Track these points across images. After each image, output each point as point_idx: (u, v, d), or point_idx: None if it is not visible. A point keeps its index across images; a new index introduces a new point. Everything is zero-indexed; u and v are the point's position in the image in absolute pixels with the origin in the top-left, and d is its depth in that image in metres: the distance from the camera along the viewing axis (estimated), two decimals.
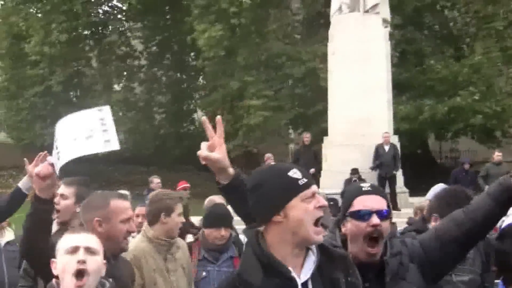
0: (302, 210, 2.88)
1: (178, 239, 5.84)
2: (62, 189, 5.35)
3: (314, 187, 2.95)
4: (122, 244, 4.26)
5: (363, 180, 18.38)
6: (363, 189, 3.55)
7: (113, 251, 4.22)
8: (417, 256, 3.55)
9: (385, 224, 3.46)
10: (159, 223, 5.52)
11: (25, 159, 5.74)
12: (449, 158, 35.76)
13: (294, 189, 2.90)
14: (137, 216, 6.64)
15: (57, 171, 4.00)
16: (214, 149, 3.24)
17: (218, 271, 6.21)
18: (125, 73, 34.88)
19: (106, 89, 33.44)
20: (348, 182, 18.45)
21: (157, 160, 34.03)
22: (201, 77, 33.87)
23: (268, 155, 21.93)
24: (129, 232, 4.28)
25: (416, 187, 19.17)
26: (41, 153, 5.99)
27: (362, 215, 3.46)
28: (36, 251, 3.98)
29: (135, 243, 5.49)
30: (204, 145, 3.25)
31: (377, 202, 3.49)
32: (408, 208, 15.69)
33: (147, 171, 35.07)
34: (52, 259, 3.43)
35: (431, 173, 27.56)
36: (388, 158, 19.80)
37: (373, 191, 3.55)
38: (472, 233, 3.49)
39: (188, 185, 15.69)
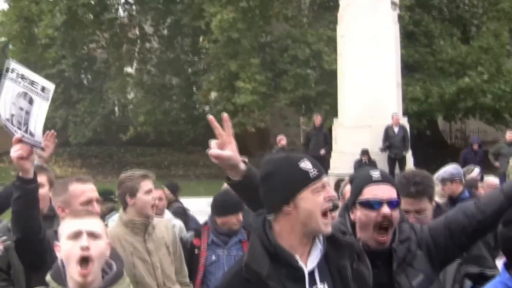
0: (312, 201, 2.89)
1: (160, 219, 5.79)
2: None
3: (324, 179, 2.96)
4: None
5: (373, 162, 18.41)
6: (373, 178, 3.52)
7: None
8: (425, 243, 3.55)
9: (395, 214, 3.46)
10: (128, 205, 5.43)
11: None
12: (459, 139, 35.62)
13: (305, 180, 2.91)
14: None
15: (42, 143, 3.95)
16: (223, 146, 3.22)
17: (227, 255, 6.21)
18: (136, 55, 34.79)
19: (118, 72, 33.40)
20: (358, 163, 18.44)
21: (169, 141, 34.09)
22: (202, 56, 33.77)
23: (280, 136, 21.99)
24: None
25: (426, 168, 19.02)
26: (48, 132, 6.02)
27: (372, 205, 3.45)
28: (31, 234, 3.95)
29: (111, 228, 5.43)
30: (213, 143, 3.23)
31: (388, 192, 3.48)
32: None
33: (158, 152, 35.25)
34: (56, 242, 3.40)
35: (441, 154, 27.52)
36: (398, 139, 19.75)
37: (383, 180, 3.53)
38: (481, 226, 3.49)
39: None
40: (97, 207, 4.27)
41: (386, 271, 3.46)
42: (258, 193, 3.05)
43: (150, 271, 5.36)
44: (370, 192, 3.47)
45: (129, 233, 5.38)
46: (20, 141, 3.79)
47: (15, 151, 3.79)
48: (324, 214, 2.91)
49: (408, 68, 24.89)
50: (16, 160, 3.81)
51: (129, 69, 35.22)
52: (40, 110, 3.86)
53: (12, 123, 3.82)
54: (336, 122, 21.55)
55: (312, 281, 2.90)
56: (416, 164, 20.44)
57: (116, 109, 34.61)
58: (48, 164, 6.16)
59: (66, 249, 3.28)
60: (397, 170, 19.24)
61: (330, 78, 24.63)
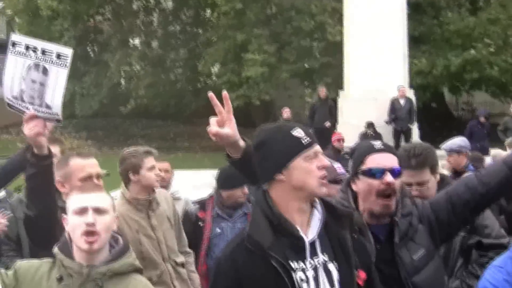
0: (304, 169, 2.91)
1: (160, 191, 5.79)
2: None
3: (317, 147, 2.96)
4: None
5: (379, 134, 18.38)
6: (375, 147, 3.51)
7: None
8: (427, 218, 3.53)
9: (398, 182, 3.45)
10: (131, 182, 5.44)
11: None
12: (466, 111, 35.47)
13: (296, 148, 2.92)
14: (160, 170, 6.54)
15: (60, 114, 3.80)
16: (223, 124, 3.21)
17: (232, 228, 6.20)
18: (142, 28, 34.65)
19: (122, 45, 33.30)
20: (363, 136, 18.38)
21: (174, 114, 34.05)
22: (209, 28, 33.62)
23: (285, 108, 21.95)
24: None
25: (432, 141, 19.00)
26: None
27: (374, 173, 3.43)
28: (47, 210, 3.90)
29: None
30: (213, 120, 3.22)
31: (390, 160, 3.46)
32: None
33: (164, 124, 35.24)
34: (64, 216, 3.42)
35: (447, 127, 27.44)
36: (404, 112, 19.72)
37: (385, 149, 3.52)
38: (484, 198, 3.47)
39: (342, 137, 15.35)
40: (97, 183, 4.22)
41: (388, 246, 3.46)
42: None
43: (155, 247, 5.41)
44: (373, 161, 3.45)
45: (132, 211, 5.42)
46: (33, 117, 3.72)
47: (31, 128, 3.71)
48: (317, 179, 2.92)
49: (414, 40, 24.71)
50: (34, 137, 3.73)
51: (135, 41, 35.07)
52: (58, 79, 3.74)
53: (22, 99, 3.75)
54: (342, 94, 21.52)
55: (313, 252, 2.93)
56: (422, 136, 20.40)
57: (123, 81, 34.49)
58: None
59: (72, 224, 3.31)
60: (402, 142, 19.21)
61: (333, 50, 24.50)
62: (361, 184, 3.50)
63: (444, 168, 8.82)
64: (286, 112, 21.78)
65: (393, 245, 3.44)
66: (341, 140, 15.14)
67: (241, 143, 3.25)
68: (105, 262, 3.32)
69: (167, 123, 35.55)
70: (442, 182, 4.41)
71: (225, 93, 3.27)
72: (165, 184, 7.28)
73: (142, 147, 5.71)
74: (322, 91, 22.23)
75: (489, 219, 4.30)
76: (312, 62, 27.62)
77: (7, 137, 32.33)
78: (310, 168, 2.91)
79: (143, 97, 31.16)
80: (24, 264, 3.40)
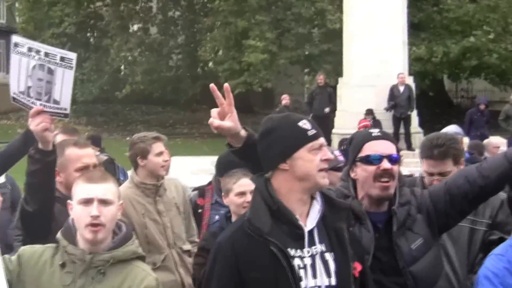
0: (308, 160, 2.95)
1: (171, 179, 5.77)
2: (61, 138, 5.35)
3: (322, 140, 3.00)
4: None
5: (378, 121, 18.36)
6: (373, 134, 3.53)
7: None
8: (425, 207, 3.53)
9: (396, 168, 3.45)
10: (139, 167, 5.48)
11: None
12: (466, 98, 35.50)
13: (302, 139, 2.96)
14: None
15: (68, 110, 3.78)
16: (224, 116, 3.16)
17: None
18: (141, 14, 34.55)
19: (122, 31, 33.22)
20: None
21: (173, 100, 34.04)
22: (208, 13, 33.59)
23: (284, 95, 21.92)
24: None
25: (432, 128, 19.06)
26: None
27: (372, 160, 3.44)
28: (47, 205, 3.88)
29: (123, 189, 5.35)
30: (214, 112, 3.17)
31: (387, 147, 3.47)
32: None
33: (163, 111, 35.24)
34: (69, 201, 3.40)
35: (447, 114, 27.49)
36: (403, 99, 19.68)
37: (383, 136, 3.54)
38: (483, 191, 3.46)
39: (368, 123, 15.37)
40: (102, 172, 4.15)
41: (386, 235, 3.46)
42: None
43: (161, 231, 5.44)
44: (370, 148, 3.46)
45: (140, 195, 5.45)
46: (40, 112, 3.68)
47: (37, 123, 3.66)
48: (320, 171, 2.96)
49: (414, 27, 24.66)
50: (40, 133, 3.68)
51: (135, 27, 34.99)
52: (64, 79, 3.72)
53: (29, 95, 3.73)
54: (341, 81, 21.49)
55: (311, 241, 2.97)
56: (421, 123, 20.42)
57: (122, 67, 34.46)
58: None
59: (77, 213, 3.31)
60: (402, 129, 19.19)
61: (333, 36, 24.44)
62: (359, 171, 3.49)
63: None
64: (285, 99, 21.74)
65: (391, 233, 3.44)
66: (367, 127, 15.11)
67: (242, 132, 3.22)
68: (108, 249, 3.32)
69: (166, 109, 35.59)
70: None
71: (226, 85, 3.21)
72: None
73: (152, 132, 5.74)
74: (321, 78, 22.18)
75: (511, 216, 4.26)
76: (312, 49, 27.59)
77: (6, 122, 32.29)
78: (314, 160, 2.95)
79: (142, 83, 31.14)
80: (27, 250, 3.39)
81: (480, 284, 3.34)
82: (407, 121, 19.68)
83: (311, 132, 2.97)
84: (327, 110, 21.05)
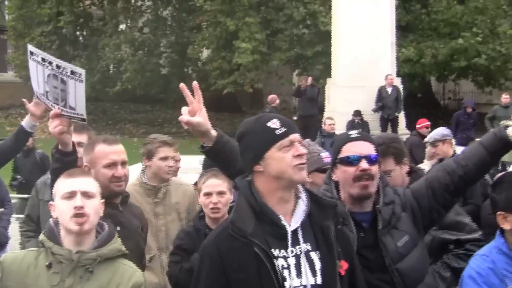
0: (279, 159, 2.97)
1: (182, 184, 5.77)
2: (76, 137, 5.35)
3: (293, 136, 3.00)
4: (112, 188, 4.19)
5: (366, 122, 18.44)
6: (351, 136, 3.59)
7: (108, 196, 4.14)
8: (409, 205, 3.58)
9: (374, 168, 3.49)
10: (147, 167, 5.62)
11: (23, 99, 5.70)
12: (453, 100, 35.63)
13: (270, 139, 2.99)
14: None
15: (84, 115, 3.94)
16: (194, 114, 3.29)
17: None
18: (131, 13, 34.49)
19: (112, 29, 33.17)
20: (350, 123, 18.42)
21: (162, 99, 34.01)
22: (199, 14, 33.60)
23: (273, 96, 21.93)
24: (116, 177, 4.18)
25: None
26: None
27: (351, 161, 3.49)
28: None
29: (129, 184, 5.47)
30: (185, 110, 3.31)
31: (365, 148, 3.52)
32: None
33: (152, 109, 35.19)
34: (51, 202, 3.44)
35: (434, 115, 27.53)
36: (391, 100, 19.78)
37: (361, 137, 3.59)
38: (463, 180, 3.52)
39: (428, 123, 15.41)
40: (120, 171, 4.19)
41: (371, 233, 3.50)
42: (230, 158, 3.25)
43: (153, 233, 5.42)
44: (348, 149, 3.51)
45: (141, 193, 5.53)
46: (58, 115, 3.82)
47: (55, 126, 3.80)
48: (294, 167, 2.97)
49: (402, 29, 24.75)
50: (57, 135, 3.82)
51: (123, 26, 34.91)
52: (77, 90, 3.87)
53: (48, 98, 3.88)
54: (330, 81, 21.54)
55: (295, 240, 2.98)
56: (408, 125, 20.46)
57: (111, 66, 34.39)
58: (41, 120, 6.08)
59: (61, 209, 3.34)
60: (389, 130, 19.26)
61: (325, 37, 24.47)
62: (339, 173, 3.55)
63: (427, 159, 8.90)
64: (274, 99, 21.76)
65: (376, 232, 3.48)
66: (426, 126, 15.14)
67: (213, 132, 3.34)
68: (93, 248, 3.35)
69: (155, 108, 35.55)
70: (415, 174, 4.48)
71: (195, 83, 3.34)
72: (173, 173, 7.28)
73: (165, 136, 5.81)
74: (303, 80, 22.27)
75: (461, 215, 4.32)
76: (303, 50, 27.62)
77: None
78: (284, 157, 2.96)
79: (131, 82, 31.08)
80: (8, 256, 3.43)
81: (465, 283, 3.40)
82: (395, 122, 19.76)
83: (280, 130, 2.98)
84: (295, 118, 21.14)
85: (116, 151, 4.26)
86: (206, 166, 6.30)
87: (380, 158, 3.88)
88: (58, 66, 3.84)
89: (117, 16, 33.69)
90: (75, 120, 3.91)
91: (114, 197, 4.26)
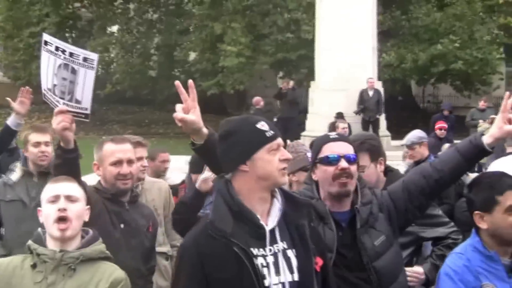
0: (268, 161, 2.98)
1: (156, 181, 5.78)
2: (39, 137, 5.57)
3: (279, 140, 3.03)
4: (117, 185, 4.26)
5: (348, 124, 18.48)
6: (331, 137, 3.66)
7: (115, 193, 4.27)
8: (386, 206, 3.62)
9: (353, 168, 3.54)
10: None
11: (7, 98, 5.69)
12: (432, 103, 35.78)
13: (261, 140, 2.99)
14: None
15: (89, 109, 3.95)
16: (188, 111, 3.27)
17: (202, 213, 6.15)
18: (120, 15, 34.37)
19: (100, 31, 33.06)
20: (332, 125, 18.45)
21: (149, 100, 33.95)
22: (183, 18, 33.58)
23: (257, 98, 21.98)
24: (121, 175, 4.24)
25: (399, 131, 19.25)
26: (22, 88, 5.91)
27: (330, 160, 3.53)
28: None
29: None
30: (179, 107, 3.28)
31: (344, 148, 3.57)
32: (390, 151, 15.71)
33: (139, 111, 35.10)
34: (38, 208, 3.50)
35: (413, 118, 27.67)
36: (372, 102, 19.89)
37: (340, 138, 3.66)
38: (438, 184, 3.57)
39: (445, 125, 15.51)
40: (126, 168, 4.24)
41: (349, 233, 3.55)
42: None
43: None
44: (328, 149, 3.56)
45: None
46: (62, 112, 3.80)
47: (58, 122, 3.78)
48: (279, 170, 3.00)
49: (383, 34, 24.86)
50: (60, 132, 3.80)
51: (112, 28, 34.80)
52: (86, 79, 3.89)
53: (54, 93, 3.87)
54: (313, 84, 21.61)
55: (273, 239, 2.99)
56: (389, 127, 20.58)
57: (100, 67, 34.24)
58: (30, 120, 6.08)
59: (45, 213, 3.40)
60: (370, 132, 19.34)
61: (308, 42, 24.54)
62: (319, 172, 3.59)
63: (405, 160, 9.02)
64: (259, 101, 21.79)
65: (354, 231, 3.52)
66: (442, 128, 15.26)
67: (205, 130, 3.32)
68: (77, 248, 3.39)
69: (142, 109, 35.47)
70: (391, 174, 4.50)
71: (190, 81, 3.34)
72: (163, 173, 7.30)
73: (136, 137, 5.81)
74: (286, 83, 22.35)
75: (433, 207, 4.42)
76: (288, 54, 27.68)
77: None
78: (272, 160, 2.98)
79: (119, 84, 31.00)
80: None
81: (442, 280, 3.44)
82: (376, 125, 19.85)
83: (269, 133, 3.00)
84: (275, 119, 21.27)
85: (122, 149, 4.31)
86: (194, 164, 6.30)
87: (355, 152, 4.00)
88: (71, 54, 3.84)
89: (104, 18, 33.51)
90: (78, 117, 3.90)
91: (121, 195, 4.32)
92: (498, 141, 3.50)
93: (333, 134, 3.69)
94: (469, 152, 3.49)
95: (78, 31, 34.79)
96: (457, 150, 3.53)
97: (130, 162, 4.31)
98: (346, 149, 3.56)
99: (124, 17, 34.18)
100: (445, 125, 15.60)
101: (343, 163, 3.49)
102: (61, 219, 3.33)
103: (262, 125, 3.01)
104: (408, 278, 3.91)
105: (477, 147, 3.46)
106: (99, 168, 4.32)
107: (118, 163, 4.25)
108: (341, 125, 16.12)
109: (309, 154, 4.71)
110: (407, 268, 3.93)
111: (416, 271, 4.07)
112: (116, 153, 4.27)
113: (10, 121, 5.96)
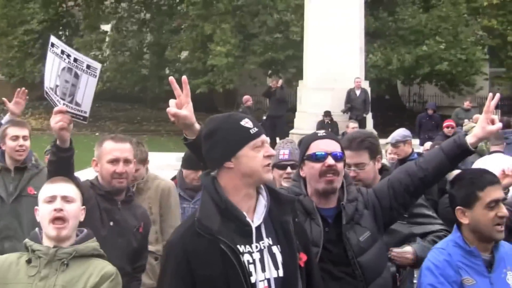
0: (252, 157, 2.96)
1: (157, 179, 5.76)
2: (20, 131, 5.55)
3: (263, 137, 3.03)
4: (113, 183, 4.27)
5: (335, 123, 18.57)
6: (318, 134, 3.68)
7: (110, 191, 4.29)
8: (372, 203, 3.66)
9: (340, 165, 3.57)
10: None
11: (3, 98, 5.70)
12: (418, 103, 35.90)
13: (245, 137, 2.98)
14: None
15: (87, 113, 3.98)
16: (181, 107, 3.27)
17: (193, 208, 6.17)
18: (112, 13, 34.25)
19: (93, 30, 32.95)
20: (320, 124, 18.56)
21: (140, 98, 33.91)
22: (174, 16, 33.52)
23: (247, 96, 21.97)
24: (118, 173, 4.25)
25: (385, 130, 19.32)
26: (18, 89, 5.92)
27: (318, 157, 3.55)
28: None
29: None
30: (172, 102, 3.28)
31: (331, 145, 3.60)
32: None
33: (131, 108, 35.05)
34: (36, 207, 3.52)
35: (399, 117, 27.78)
36: (359, 102, 19.94)
37: (327, 136, 3.67)
38: (423, 182, 3.61)
39: (453, 124, 15.51)
40: (122, 167, 4.24)
41: (335, 229, 3.57)
42: None
43: None
44: (315, 147, 3.58)
45: None
46: (61, 112, 3.82)
47: (57, 121, 3.80)
48: (264, 167, 2.99)
49: (370, 35, 24.93)
50: (57, 131, 3.82)
51: (105, 27, 34.68)
52: (88, 85, 3.91)
53: (55, 93, 3.89)
54: (301, 83, 21.64)
55: (259, 236, 2.98)
56: (375, 125, 20.63)
57: None
58: (23, 116, 6.08)
59: (42, 212, 3.43)
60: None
61: (297, 43, 24.57)
62: (307, 169, 3.62)
63: (389, 158, 9.07)
64: (248, 100, 21.81)
65: (339, 228, 3.55)
66: (450, 126, 15.25)
67: (197, 126, 3.32)
68: (71, 245, 3.43)
69: (134, 107, 35.42)
70: (386, 172, 4.54)
71: (184, 77, 3.33)
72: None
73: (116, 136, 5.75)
74: (275, 82, 22.39)
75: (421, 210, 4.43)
76: (276, 54, 27.71)
77: None
78: (257, 157, 2.97)
79: (112, 81, 30.93)
80: None
81: (423, 275, 3.47)
82: (362, 123, 19.86)
83: (253, 130, 2.98)
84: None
85: (120, 148, 4.31)
86: (186, 160, 6.30)
87: (356, 150, 4.09)
88: (75, 60, 3.87)
89: (92, 16, 33.36)
90: (77, 119, 3.92)
91: (115, 194, 4.32)
92: (481, 141, 3.55)
93: (321, 132, 3.71)
94: (453, 152, 3.53)
95: (71, 29, 34.65)
96: (441, 150, 3.57)
97: (127, 161, 4.30)
98: (333, 147, 3.58)
99: (113, 16, 34.04)
100: (453, 123, 15.61)
101: (330, 160, 3.51)
102: (57, 219, 3.37)
103: (246, 122, 2.99)
104: (396, 259, 3.93)
105: (461, 147, 3.50)
106: (97, 164, 4.33)
107: (115, 161, 4.25)
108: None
109: (281, 151, 4.77)
110: (395, 249, 3.95)
111: (405, 252, 4.02)
112: (114, 151, 4.27)
113: (5, 120, 5.98)
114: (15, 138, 5.61)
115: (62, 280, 3.33)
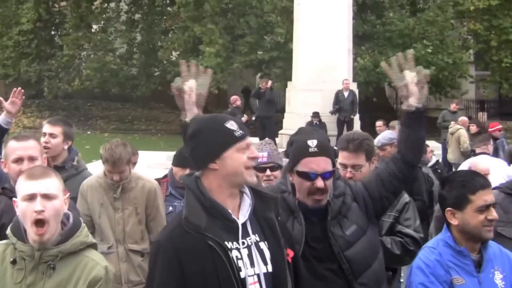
0: (236, 159, 2.95)
1: (142, 179, 5.70)
2: (49, 128, 5.37)
3: (248, 139, 3.02)
4: None
5: (323, 123, 18.58)
6: (310, 150, 3.55)
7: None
8: (361, 195, 3.67)
9: (329, 183, 3.54)
10: None
11: (0, 98, 5.63)
12: None
13: (230, 139, 2.96)
14: None
15: None
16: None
17: (181, 205, 6.13)
18: (104, 14, 34.14)
19: (85, 30, 32.85)
20: (309, 125, 18.52)
21: (132, 98, 33.86)
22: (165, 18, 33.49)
23: (235, 96, 21.97)
24: (22, 172, 4.02)
25: (372, 131, 19.30)
26: (15, 89, 5.86)
27: (307, 176, 3.52)
28: None
29: (92, 177, 5.55)
30: (178, 79, 3.37)
31: (322, 164, 3.52)
32: None
33: (122, 107, 35.01)
34: (14, 199, 3.30)
35: (387, 118, 27.71)
36: (347, 103, 19.99)
37: (319, 152, 3.55)
38: (404, 163, 3.67)
39: (500, 126, 15.38)
40: (26, 166, 4.04)
41: (320, 225, 3.58)
42: None
43: (112, 226, 5.48)
44: (306, 165, 3.52)
45: (104, 186, 5.47)
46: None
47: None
48: (247, 169, 2.98)
49: (358, 38, 24.98)
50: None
51: (97, 27, 34.56)
52: None
53: None
54: (290, 84, 21.68)
55: (245, 233, 2.98)
56: (362, 126, 20.65)
57: (83, 64, 34.01)
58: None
59: (22, 210, 3.20)
60: (345, 132, 19.43)
61: (283, 44, 24.59)
62: (296, 180, 3.60)
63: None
64: (237, 100, 21.79)
65: (325, 224, 3.55)
66: (496, 130, 15.06)
67: (195, 110, 3.36)
68: (57, 243, 3.22)
69: (126, 106, 35.40)
70: None
71: (193, 62, 3.50)
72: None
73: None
74: (264, 83, 22.41)
75: (412, 214, 4.51)
76: (264, 55, 27.76)
77: None
78: (241, 158, 2.95)
79: (91, 80, 30.86)
80: None
81: (413, 273, 3.46)
82: (350, 124, 19.94)
83: (238, 133, 2.97)
84: (243, 118, 21.32)
85: (23, 147, 4.18)
86: (177, 157, 6.25)
87: (354, 152, 4.16)
88: None
89: (88, 17, 33.24)
90: None
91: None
92: (414, 100, 3.65)
93: (312, 146, 3.54)
94: (405, 119, 3.68)
95: (63, 29, 34.51)
96: (400, 125, 3.74)
97: (31, 159, 4.13)
98: (324, 165, 3.52)
99: (108, 16, 33.94)
100: (501, 127, 15.57)
101: (320, 183, 3.48)
102: (39, 222, 3.15)
103: (231, 125, 2.98)
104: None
105: (407, 113, 3.65)
106: (6, 165, 4.19)
107: (19, 160, 4.11)
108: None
109: (259, 154, 4.69)
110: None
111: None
112: (17, 150, 4.14)
113: (1, 119, 5.91)
114: (43, 135, 5.55)
115: (49, 287, 3.18)
